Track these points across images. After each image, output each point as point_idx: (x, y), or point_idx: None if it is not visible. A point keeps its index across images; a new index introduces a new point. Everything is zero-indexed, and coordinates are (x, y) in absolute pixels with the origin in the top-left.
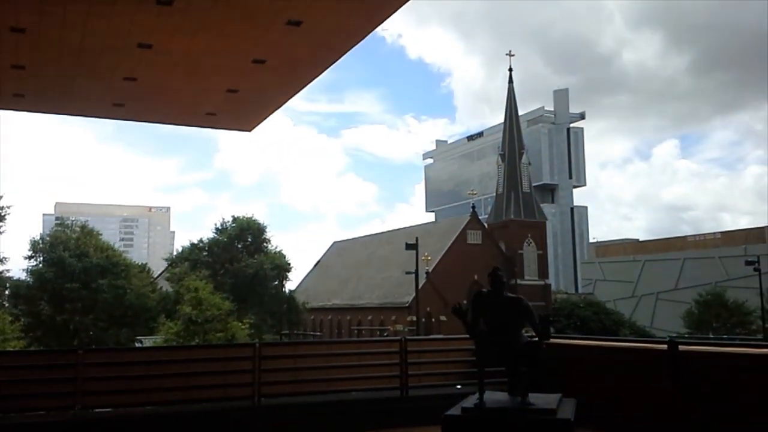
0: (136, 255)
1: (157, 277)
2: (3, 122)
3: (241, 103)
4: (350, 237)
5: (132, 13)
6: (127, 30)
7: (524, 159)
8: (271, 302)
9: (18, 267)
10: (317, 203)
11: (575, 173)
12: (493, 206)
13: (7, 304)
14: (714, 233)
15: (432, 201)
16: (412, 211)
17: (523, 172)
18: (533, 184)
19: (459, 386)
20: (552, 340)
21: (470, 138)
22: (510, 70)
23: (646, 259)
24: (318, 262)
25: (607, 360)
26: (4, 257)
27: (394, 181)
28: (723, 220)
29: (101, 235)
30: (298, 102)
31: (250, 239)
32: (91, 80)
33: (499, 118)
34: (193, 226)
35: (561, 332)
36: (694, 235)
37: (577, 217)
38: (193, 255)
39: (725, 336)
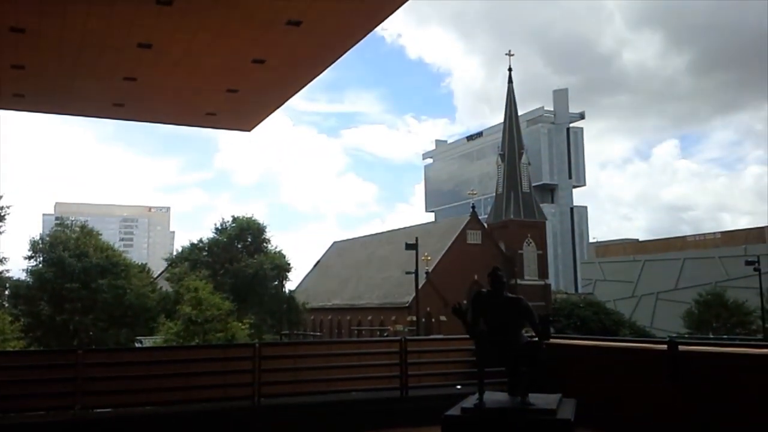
0: (136, 255)
1: (157, 277)
2: (3, 122)
3: (240, 103)
4: (350, 237)
5: (132, 13)
6: (127, 30)
7: (524, 159)
8: (271, 302)
9: (18, 267)
10: (317, 203)
11: (575, 173)
12: (492, 206)
13: (6, 304)
14: (714, 233)
15: (432, 201)
16: (412, 211)
17: (522, 172)
18: (533, 184)
19: (459, 386)
20: (552, 340)
21: (470, 138)
22: (510, 70)
23: (646, 259)
24: (318, 262)
25: (607, 360)
26: (3, 257)
27: (394, 181)
28: (723, 220)
29: (101, 235)
30: (297, 102)
31: (250, 239)
32: (91, 80)
33: (499, 118)
34: (193, 226)
35: (561, 332)
36: (694, 235)
37: (576, 217)
38: (193, 255)
39: (725, 336)
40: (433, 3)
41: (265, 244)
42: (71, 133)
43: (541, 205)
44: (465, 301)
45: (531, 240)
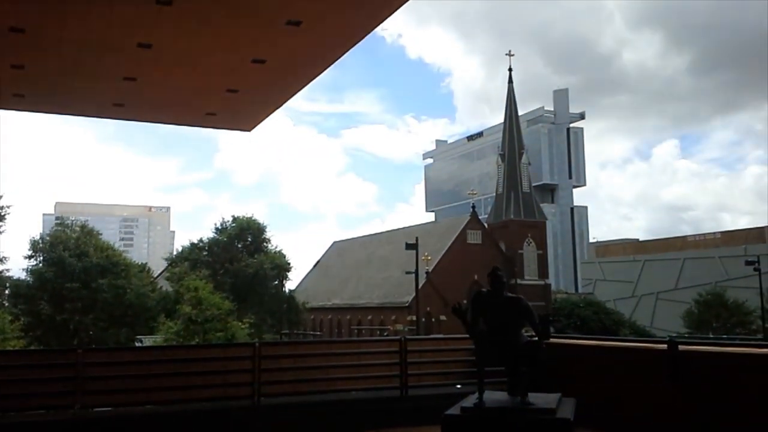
0: (136, 255)
1: (157, 276)
2: (3, 122)
3: (240, 103)
4: (350, 237)
5: (132, 13)
6: (126, 30)
7: (524, 159)
8: (271, 302)
9: (18, 266)
10: (317, 203)
11: (575, 173)
12: (492, 206)
13: (7, 304)
14: (714, 233)
15: (432, 201)
16: (412, 211)
17: (523, 172)
18: (533, 184)
19: (459, 386)
20: (552, 340)
21: (470, 138)
22: (510, 70)
23: (646, 259)
24: (318, 261)
25: (607, 360)
26: (4, 257)
27: (394, 181)
28: (723, 220)
29: (101, 234)
30: (298, 102)
31: (250, 239)
32: (91, 80)
33: (499, 118)
34: (193, 226)
35: (561, 332)
36: (694, 235)
37: (577, 217)
38: (193, 255)
39: (725, 336)
40: (433, 3)
41: (265, 243)
42: (71, 133)
43: (541, 205)
44: (465, 301)
45: (531, 240)
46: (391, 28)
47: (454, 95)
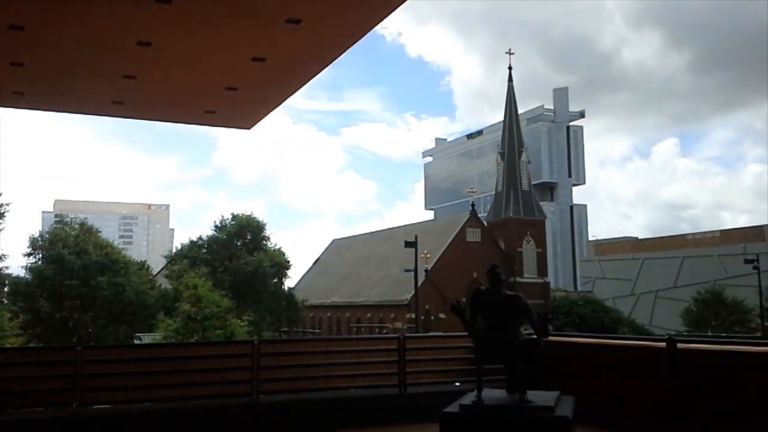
0: (136, 252)
1: (157, 274)
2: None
3: (240, 101)
4: (349, 235)
5: (131, 11)
6: (126, 28)
7: (524, 157)
8: (270, 300)
9: (17, 264)
10: (316, 201)
11: (575, 171)
12: (492, 204)
13: (6, 301)
14: (713, 231)
15: (431, 199)
16: (412, 209)
17: (522, 171)
18: (533, 183)
19: (458, 383)
20: (550, 338)
21: (470, 136)
22: (510, 68)
23: (645, 257)
24: (317, 259)
25: (606, 358)
26: (3, 254)
27: (393, 179)
28: (722, 218)
29: (100, 232)
30: (297, 100)
31: (249, 237)
32: (91, 78)
33: (499, 116)
34: (193, 224)
35: (560, 330)
36: (693, 234)
37: (576, 216)
38: (192, 252)
39: (724, 334)
40: (433, 2)
41: (264, 241)
42: (70, 131)
43: (540, 203)
44: (464, 299)
45: (530, 238)
46: (390, 26)
47: (453, 93)
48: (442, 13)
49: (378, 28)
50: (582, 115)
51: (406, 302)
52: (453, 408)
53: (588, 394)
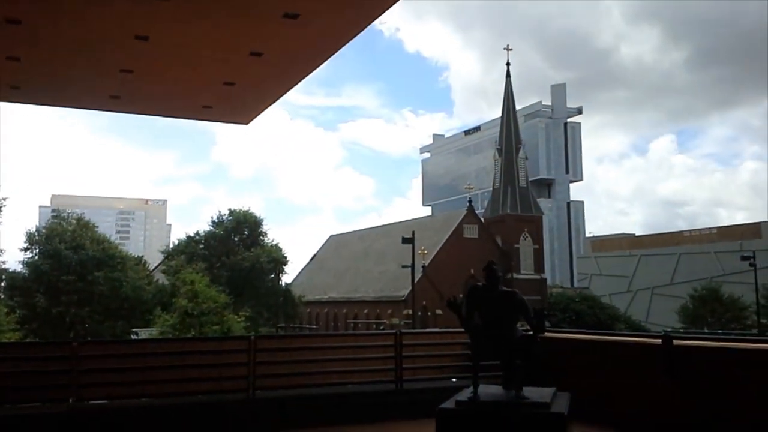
0: (133, 247)
1: (154, 269)
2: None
3: (237, 96)
4: (347, 230)
5: (129, 5)
6: (123, 22)
7: (521, 153)
8: (268, 295)
9: (14, 259)
10: (314, 197)
11: (572, 168)
12: (489, 201)
13: (2, 296)
14: (710, 228)
15: (429, 195)
16: (409, 205)
17: (519, 167)
18: (530, 179)
19: (454, 380)
20: (547, 334)
21: (467, 132)
22: (507, 64)
23: (641, 254)
24: (314, 255)
25: (602, 354)
26: (0, 249)
27: (391, 175)
28: (719, 215)
29: (97, 227)
30: (295, 95)
31: (246, 232)
32: (88, 72)
33: (497, 112)
34: (190, 219)
35: (556, 326)
36: (690, 231)
37: (573, 212)
38: (190, 248)
39: (720, 331)
40: None
41: (261, 237)
42: (67, 126)
43: (537, 199)
44: (461, 295)
45: (527, 234)
46: (389, 22)
47: (451, 89)
48: (440, 9)
49: (376, 23)
50: (579, 111)
51: (403, 298)
52: (449, 404)
53: (584, 391)
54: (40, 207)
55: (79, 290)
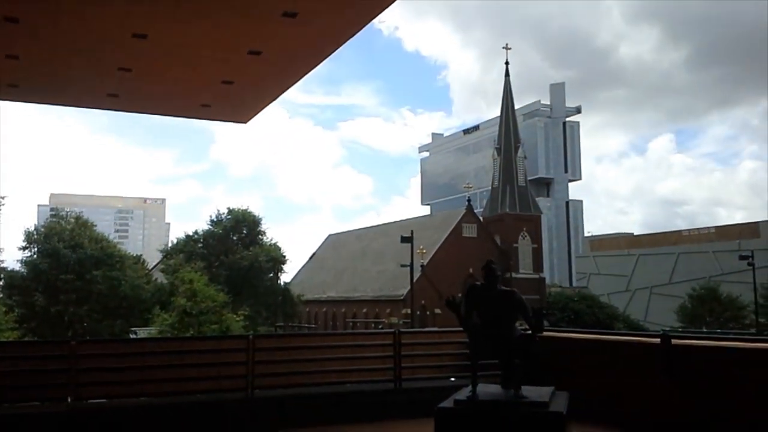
0: (131, 246)
1: (152, 268)
2: None
3: (236, 95)
4: (346, 229)
5: (127, 3)
6: (122, 20)
7: (520, 153)
8: (266, 294)
9: (12, 258)
10: (313, 195)
11: (571, 167)
12: (488, 200)
13: (1, 295)
14: (708, 228)
15: (427, 194)
16: (408, 204)
17: (518, 166)
18: (529, 178)
19: (453, 379)
20: (545, 334)
21: (466, 131)
22: (506, 63)
23: (640, 253)
24: (313, 254)
25: (601, 353)
26: None
27: (389, 174)
28: (718, 214)
29: (96, 226)
30: (294, 94)
31: (245, 231)
32: (86, 71)
33: (496, 111)
34: (189, 218)
35: (555, 325)
36: (689, 230)
37: (572, 211)
38: (188, 247)
39: (718, 330)
40: None
41: (260, 236)
42: (66, 125)
43: (536, 198)
44: (459, 294)
45: (526, 233)
46: (388, 20)
47: (450, 88)
48: (439, 8)
49: (375, 22)
50: (578, 110)
51: (401, 297)
52: (448, 403)
53: (582, 390)
54: (38, 206)
55: (78, 289)
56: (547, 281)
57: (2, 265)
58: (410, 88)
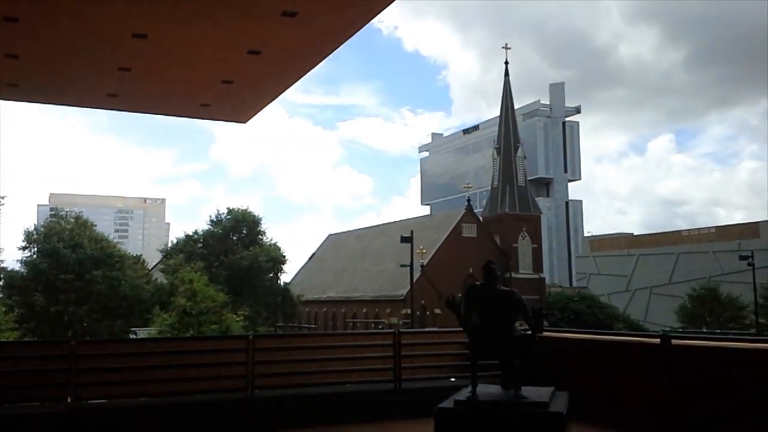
0: (131, 246)
1: (152, 268)
2: None
3: (236, 95)
4: (345, 229)
5: (127, 3)
6: (122, 20)
7: (520, 152)
8: (266, 294)
9: (12, 258)
10: (312, 195)
11: (570, 167)
12: (488, 200)
13: (1, 295)
14: (708, 228)
15: (427, 194)
16: (408, 204)
17: (518, 166)
18: (528, 178)
19: (452, 379)
20: (545, 334)
21: (466, 131)
22: (506, 63)
23: (640, 253)
24: (313, 254)
25: (601, 353)
26: None
27: (389, 174)
28: (717, 214)
29: (96, 226)
30: (293, 94)
31: (245, 231)
32: (86, 70)
33: (495, 111)
34: (188, 218)
35: (555, 326)
36: (689, 230)
37: (571, 211)
38: (188, 247)
39: (718, 330)
40: None
41: (260, 236)
42: (66, 125)
43: (536, 198)
44: (459, 294)
45: (526, 234)
46: (387, 20)
47: (450, 88)
48: (439, 8)
49: (374, 21)
50: (578, 110)
51: (401, 297)
52: (448, 403)
53: (582, 390)
54: (38, 206)
55: (78, 289)
56: (547, 281)
57: (2, 265)
58: (410, 88)
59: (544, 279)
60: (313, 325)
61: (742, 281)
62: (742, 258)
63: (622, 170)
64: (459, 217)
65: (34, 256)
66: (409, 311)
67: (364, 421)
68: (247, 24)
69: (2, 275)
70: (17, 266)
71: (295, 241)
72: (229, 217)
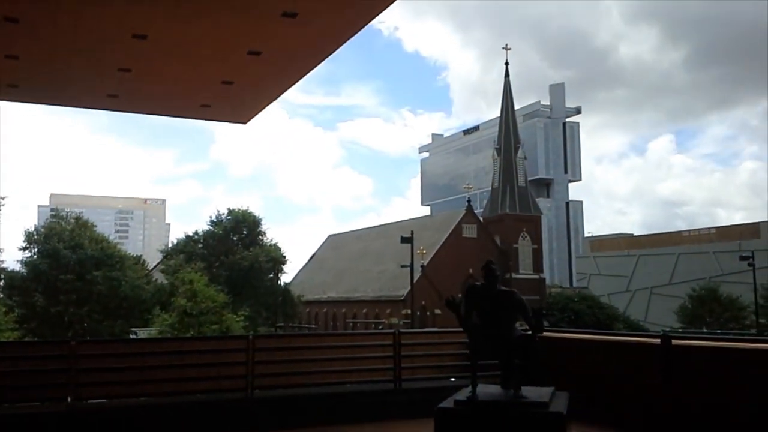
0: (132, 247)
1: (153, 269)
2: None
3: (236, 95)
4: (345, 230)
5: (127, 3)
6: (122, 20)
7: (520, 153)
8: (266, 295)
9: (12, 258)
10: (313, 196)
11: (571, 168)
12: (488, 200)
13: (1, 295)
14: (708, 228)
15: (427, 195)
16: (408, 205)
17: (518, 167)
18: (529, 179)
19: (452, 379)
20: (545, 334)
21: (466, 132)
22: (506, 63)
23: (640, 253)
24: (313, 255)
25: (601, 354)
26: None
27: (389, 175)
28: (718, 215)
29: (96, 226)
30: (293, 94)
31: (245, 231)
32: (86, 71)
33: (496, 112)
34: (189, 218)
35: (555, 326)
36: (689, 230)
37: (572, 212)
38: (188, 247)
39: (719, 331)
40: None
41: (260, 236)
42: (67, 125)
43: (536, 199)
44: (459, 295)
45: (526, 234)
46: (387, 21)
47: (450, 89)
48: (439, 8)
49: (374, 22)
50: (578, 111)
51: (402, 298)
52: (448, 403)
53: (583, 390)
54: (38, 206)
55: (78, 289)
56: (547, 282)
57: (2, 266)
58: (410, 89)
59: (544, 279)
60: (313, 326)
61: (743, 282)
62: (742, 258)
63: (622, 171)
64: (459, 218)
65: (35, 256)
66: (409, 311)
67: (364, 421)
68: (247, 24)
69: (2, 276)
70: (17, 267)
71: (295, 242)
72: (229, 217)
